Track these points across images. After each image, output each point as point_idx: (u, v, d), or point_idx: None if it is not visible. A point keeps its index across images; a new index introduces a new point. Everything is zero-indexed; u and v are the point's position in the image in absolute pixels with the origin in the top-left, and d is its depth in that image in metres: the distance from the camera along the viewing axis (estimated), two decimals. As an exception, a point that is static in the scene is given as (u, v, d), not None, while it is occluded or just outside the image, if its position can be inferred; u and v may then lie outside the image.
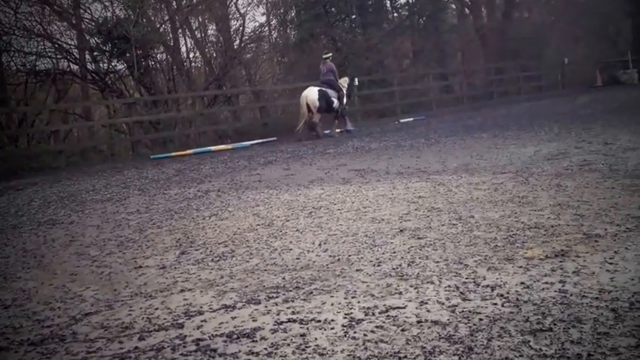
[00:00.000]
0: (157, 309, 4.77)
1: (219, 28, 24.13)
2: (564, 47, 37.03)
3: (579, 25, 37.40)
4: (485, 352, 3.52)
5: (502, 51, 32.29)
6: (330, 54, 20.08)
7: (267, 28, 26.80)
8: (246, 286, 5.13)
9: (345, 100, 18.90)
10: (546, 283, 4.50)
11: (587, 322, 3.75)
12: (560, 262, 4.93)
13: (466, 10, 34.68)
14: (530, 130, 14.53)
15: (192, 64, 24.36)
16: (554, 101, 23.08)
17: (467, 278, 4.77)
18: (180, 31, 23.20)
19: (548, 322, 3.82)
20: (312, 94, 17.99)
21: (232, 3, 24.57)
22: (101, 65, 22.36)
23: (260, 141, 18.71)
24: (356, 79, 22.90)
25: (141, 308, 4.82)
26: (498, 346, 3.57)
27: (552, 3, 38.96)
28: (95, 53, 22.34)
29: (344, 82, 19.24)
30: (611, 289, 4.24)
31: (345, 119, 19.30)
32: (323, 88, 18.15)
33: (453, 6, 35.51)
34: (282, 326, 4.20)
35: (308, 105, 17.88)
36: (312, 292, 4.81)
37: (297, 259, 5.82)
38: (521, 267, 4.91)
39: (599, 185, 7.70)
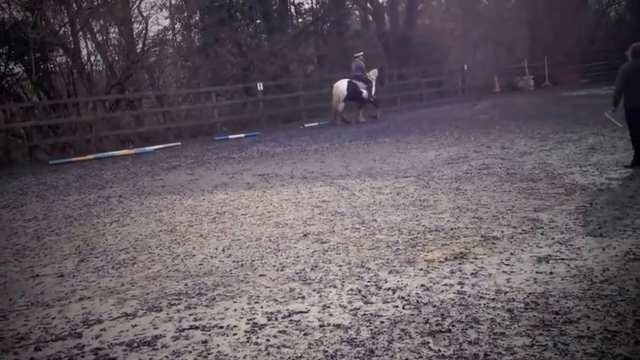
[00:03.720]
0: (54, 318, 4.60)
1: (121, 31, 23.47)
2: (464, 54, 38.33)
3: (478, 33, 38.82)
4: (386, 355, 3.55)
5: (405, 57, 33.00)
6: (361, 53, 22.48)
7: (170, 32, 26.38)
8: (148, 294, 5.00)
9: (374, 90, 21.38)
10: (446, 285, 4.60)
11: (485, 323, 3.85)
12: (459, 264, 5.06)
13: (369, 16, 35.25)
14: (431, 134, 14.91)
15: (94, 67, 23.60)
16: (455, 106, 23.80)
17: (369, 281, 4.81)
18: (80, 33, 22.45)
19: (447, 323, 3.90)
20: (342, 85, 20.58)
21: (135, 6, 24.02)
22: (-3, 68, 21.34)
23: (163, 146, 18.36)
24: (260, 85, 22.90)
25: (37, 318, 4.64)
26: (399, 348, 3.60)
27: (452, 11, 40.22)
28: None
29: (373, 74, 21.62)
30: (507, 290, 4.38)
31: (377, 107, 22.06)
32: (353, 81, 20.69)
33: (357, 12, 36.09)
34: (183, 333, 4.11)
35: (339, 95, 20.49)
36: (214, 298, 4.73)
37: (200, 264, 5.71)
38: (421, 269, 5.00)
39: (496, 188, 7.97)
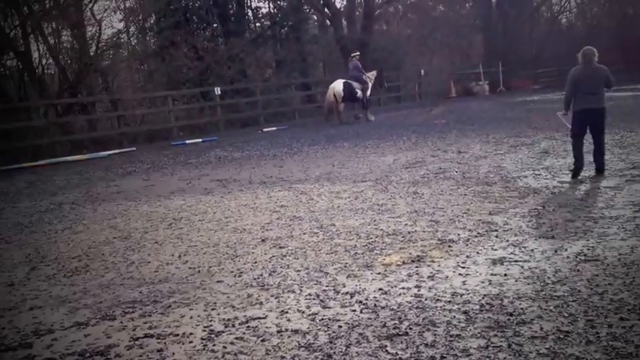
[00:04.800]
0: (3, 328, 4.49)
1: (73, 34, 23.05)
2: (421, 59, 38.73)
3: (434, 39, 39.29)
4: (344, 359, 3.55)
5: (362, 62, 33.19)
6: (358, 53, 22.76)
7: (125, 35, 25.99)
8: (101, 302, 4.91)
9: (369, 92, 21.67)
10: (403, 288, 4.63)
11: (441, 325, 3.89)
12: (417, 267, 5.10)
13: (327, 21, 35.34)
14: (389, 139, 15.01)
15: (45, 71, 23.12)
16: (412, 111, 24.00)
17: (327, 286, 4.81)
18: (32, 36, 21.99)
19: (404, 326, 3.92)
20: (338, 85, 20.93)
21: (87, 9, 23.61)
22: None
23: (118, 151, 18.10)
24: (217, 89, 22.73)
25: (-15, 329, 4.51)
26: (356, 352, 3.61)
27: (409, 16, 40.61)
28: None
29: (372, 75, 22.07)
30: (463, 293, 4.43)
31: (366, 110, 21.99)
32: (349, 81, 21.02)
33: (315, 17, 36.14)
34: (138, 342, 4.05)
35: (335, 95, 20.81)
36: (170, 306, 4.67)
37: (156, 271, 5.64)
38: (379, 273, 5.02)
39: (453, 192, 8.06)
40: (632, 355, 3.31)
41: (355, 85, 21.17)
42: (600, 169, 8.40)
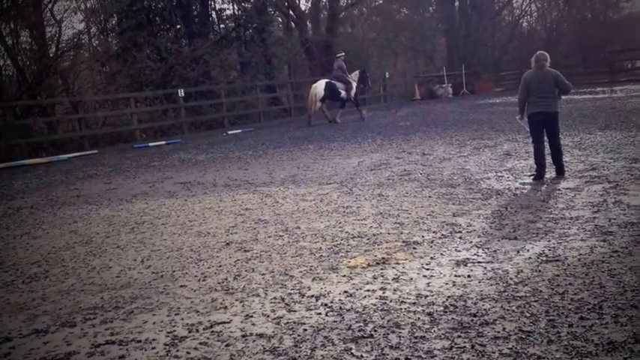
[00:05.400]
0: (-42, 338, 4.37)
1: (32, 34, 22.66)
2: (386, 62, 38.99)
3: (399, 42, 39.59)
4: (309, 363, 3.55)
5: (327, 64, 33.22)
6: (343, 53, 22.78)
7: (86, 36, 25.63)
8: (61, 309, 4.82)
9: (354, 92, 21.82)
10: (368, 290, 4.64)
11: (406, 327, 3.90)
12: (382, 269, 5.11)
13: (292, 23, 35.32)
14: (354, 141, 15.05)
15: (3, 72, 22.65)
16: (377, 114, 24.10)
17: (292, 289, 4.80)
18: (-11, 37, 21.59)
19: (370, 328, 3.92)
20: (319, 85, 21.21)
21: (47, 9, 23.20)
22: None
23: (79, 154, 17.83)
24: (181, 91, 22.54)
25: (-61, 339, 4.39)
26: (322, 355, 3.60)
27: (374, 19, 40.86)
28: None
29: (354, 75, 22.16)
30: (427, 294, 4.45)
31: (359, 109, 22.40)
32: (332, 81, 21.24)
33: (279, 19, 36.09)
34: (99, 349, 3.98)
35: (316, 94, 21.04)
36: (132, 312, 4.61)
37: (118, 277, 5.56)
38: (344, 276, 5.02)
39: (417, 194, 8.11)
40: (591, 353, 3.36)
41: (338, 85, 21.38)
42: (560, 171, 8.54)
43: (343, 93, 21.52)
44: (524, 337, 3.62)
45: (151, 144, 19.32)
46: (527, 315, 3.92)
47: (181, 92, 22.61)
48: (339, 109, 22.14)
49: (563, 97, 8.74)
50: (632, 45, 35.93)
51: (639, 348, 3.38)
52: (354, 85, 21.94)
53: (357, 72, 22.78)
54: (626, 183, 7.59)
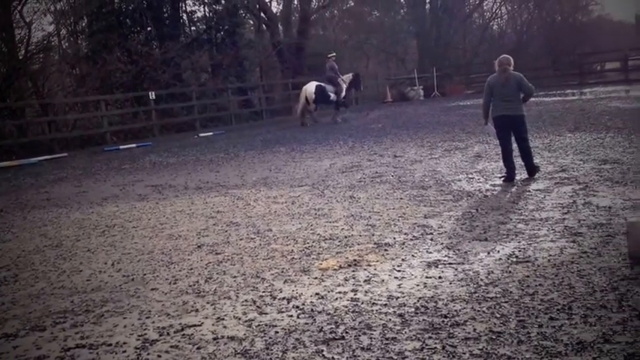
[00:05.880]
0: None
1: (1, 36, 22.34)
2: (357, 64, 39.11)
3: (370, 44, 39.80)
4: (281, 365, 3.54)
5: (299, 67, 33.30)
6: (334, 54, 23.06)
7: (56, 38, 25.30)
8: (30, 312, 4.75)
9: (343, 95, 21.95)
10: (340, 292, 4.64)
11: (377, 329, 3.91)
12: (353, 271, 5.12)
13: (263, 25, 35.29)
14: (326, 143, 15.07)
15: (-29, 74, 22.35)
16: (349, 116, 24.15)
17: (264, 292, 4.79)
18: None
19: (341, 330, 3.93)
20: (310, 87, 21.40)
21: (16, 11, 22.87)
22: None
23: (49, 157, 17.63)
24: (152, 93, 22.40)
25: None
26: (293, 357, 3.59)
27: (345, 22, 41.02)
28: None
29: (347, 78, 22.31)
30: (398, 296, 4.47)
31: (339, 110, 22.20)
32: (322, 84, 21.46)
33: (251, 21, 36.03)
34: (69, 353, 3.94)
35: (307, 97, 21.27)
36: (103, 315, 4.56)
37: (88, 280, 5.49)
38: (316, 278, 5.02)
39: (388, 196, 8.14)
40: (561, 353, 3.40)
41: (328, 87, 21.52)
42: (531, 172, 8.62)
43: (333, 96, 21.63)
44: (494, 337, 3.65)
45: (121, 147, 19.15)
46: (498, 316, 3.96)
47: (152, 95, 22.46)
48: (334, 111, 22.18)
49: (527, 100, 8.71)
50: (600, 47, 36.58)
51: (608, 348, 3.42)
52: (344, 87, 22.01)
53: (350, 75, 22.90)
54: (596, 184, 7.70)
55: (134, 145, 19.31)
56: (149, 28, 26.44)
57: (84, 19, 25.99)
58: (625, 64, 30.71)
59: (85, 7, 24.72)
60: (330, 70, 21.94)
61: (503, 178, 8.61)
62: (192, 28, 30.00)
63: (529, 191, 7.78)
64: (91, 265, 5.99)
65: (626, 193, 7.08)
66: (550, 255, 5.12)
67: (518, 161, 8.68)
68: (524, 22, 44.26)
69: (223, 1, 28.18)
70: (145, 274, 5.51)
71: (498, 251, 5.34)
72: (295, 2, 36.21)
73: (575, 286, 4.37)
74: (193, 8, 29.93)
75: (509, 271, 4.79)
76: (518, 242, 5.57)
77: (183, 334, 4.07)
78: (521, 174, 8.66)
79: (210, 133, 21.70)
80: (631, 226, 4.77)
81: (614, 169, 8.52)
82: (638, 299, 4.03)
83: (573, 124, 14.14)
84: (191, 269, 5.55)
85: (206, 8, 29.66)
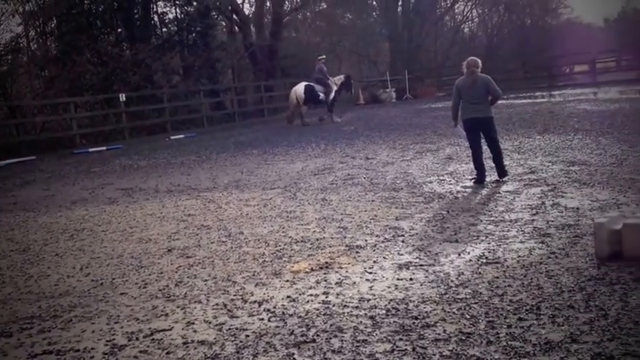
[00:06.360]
0: None
1: (-31, 38, 22.07)
2: (330, 66, 39.18)
3: (343, 46, 39.89)
4: (251, 369, 3.52)
5: (271, 69, 33.23)
6: (324, 56, 23.61)
7: (24, 40, 24.94)
8: (-4, 319, 4.67)
9: (332, 95, 21.91)
10: (311, 295, 4.63)
11: (348, 331, 3.91)
12: (325, 274, 5.12)
13: (235, 27, 35.14)
14: (298, 146, 15.05)
15: (-63, 76, 21.94)
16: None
17: (235, 295, 4.76)
18: None
19: (312, 333, 3.92)
20: (300, 88, 21.39)
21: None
22: None
23: (16, 160, 17.36)
24: (122, 95, 22.17)
25: None
26: (264, 361, 3.58)
27: (318, 24, 41.06)
28: None
29: (338, 79, 22.46)
30: (369, 298, 4.48)
31: (332, 112, 22.10)
32: (311, 84, 21.47)
33: (223, 23, 35.86)
34: (36, 359, 3.87)
35: (297, 98, 21.28)
36: (71, 320, 4.50)
37: (56, 285, 5.42)
38: (287, 281, 5.01)
39: (361, 198, 8.15)
40: (529, 354, 3.43)
41: (318, 88, 21.58)
42: (501, 174, 8.69)
43: (322, 96, 21.71)
44: (464, 338, 3.67)
45: (91, 149, 18.92)
46: (468, 317, 3.98)
47: (123, 97, 22.21)
48: (327, 112, 22.17)
49: (495, 103, 8.75)
50: (570, 50, 37.05)
51: (575, 347, 3.46)
52: (334, 88, 22.06)
53: (341, 77, 23.05)
54: (564, 186, 7.80)
55: (104, 148, 19.09)
56: (119, 30, 26.18)
57: (53, 21, 25.63)
58: (593, 66, 31.14)
59: (54, 8, 24.38)
60: (318, 72, 22.03)
61: (473, 180, 8.68)
62: (164, 29, 29.77)
63: (499, 193, 7.85)
64: (59, 269, 5.91)
65: (593, 194, 7.19)
66: (519, 256, 5.17)
67: (489, 163, 8.76)
68: (495, 25, 44.68)
69: (195, 3, 27.99)
70: (114, 279, 5.45)
71: (469, 252, 5.38)
72: (268, 4, 36.11)
73: (543, 287, 4.41)
74: (165, 10, 29.74)
75: (479, 273, 4.83)
76: (488, 243, 5.61)
77: (153, 339, 4.03)
78: (491, 175, 8.73)
79: (182, 136, 21.56)
80: (598, 227, 4.84)
81: (582, 170, 8.63)
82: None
83: (542, 126, 14.30)
84: (161, 273, 5.50)
85: (177, 10, 29.45)
